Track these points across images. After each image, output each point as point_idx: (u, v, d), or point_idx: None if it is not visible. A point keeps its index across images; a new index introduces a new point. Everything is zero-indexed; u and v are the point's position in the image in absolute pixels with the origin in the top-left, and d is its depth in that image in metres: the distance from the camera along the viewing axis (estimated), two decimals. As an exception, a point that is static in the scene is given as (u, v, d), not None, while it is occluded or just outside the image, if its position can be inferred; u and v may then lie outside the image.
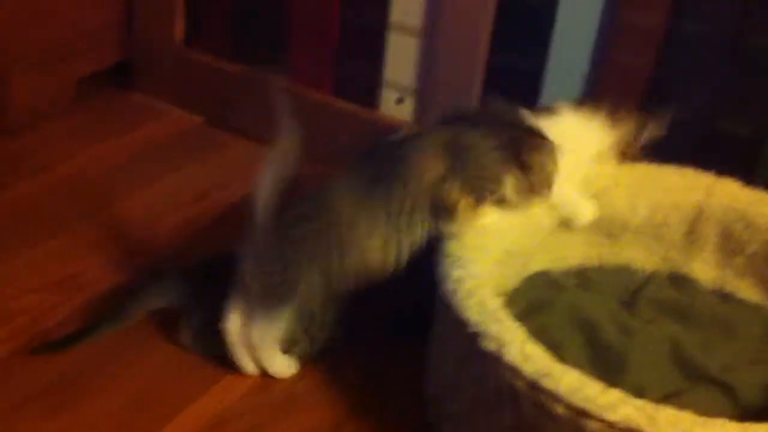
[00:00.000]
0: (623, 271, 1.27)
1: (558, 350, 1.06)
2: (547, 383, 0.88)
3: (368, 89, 1.55)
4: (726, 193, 1.23)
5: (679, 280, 1.26)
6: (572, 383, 0.88)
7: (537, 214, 1.17)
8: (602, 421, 0.85)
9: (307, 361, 1.17)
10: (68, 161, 1.57)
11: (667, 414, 0.85)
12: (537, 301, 1.19)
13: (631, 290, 1.24)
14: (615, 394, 0.87)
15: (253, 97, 1.61)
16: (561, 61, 1.38)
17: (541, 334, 1.11)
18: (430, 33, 1.45)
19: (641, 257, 1.27)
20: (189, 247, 1.39)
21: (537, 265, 1.25)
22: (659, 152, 1.24)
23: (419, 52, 1.48)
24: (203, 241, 1.41)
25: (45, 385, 1.12)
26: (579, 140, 1.17)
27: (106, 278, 1.31)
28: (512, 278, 1.21)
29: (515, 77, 1.41)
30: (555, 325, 1.14)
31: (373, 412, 1.13)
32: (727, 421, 0.86)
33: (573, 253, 1.27)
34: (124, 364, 1.17)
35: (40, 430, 1.07)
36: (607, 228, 1.25)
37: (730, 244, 1.23)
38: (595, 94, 1.37)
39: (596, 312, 1.16)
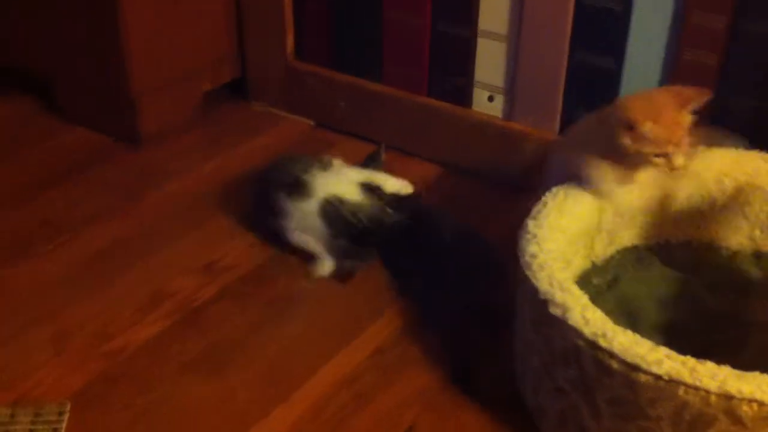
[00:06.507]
0: (708, 249, 1.37)
1: (635, 318, 1.18)
2: (604, 342, 1.01)
3: (461, 90, 1.68)
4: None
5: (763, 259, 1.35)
6: (624, 343, 1.00)
7: (627, 198, 1.29)
8: (650, 374, 0.98)
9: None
10: (197, 168, 1.74)
11: (707, 368, 0.97)
12: (623, 273, 1.33)
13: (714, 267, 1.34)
14: (661, 351, 0.99)
15: (354, 101, 1.78)
16: (637, 59, 1.49)
17: (621, 303, 1.24)
18: (515, 38, 1.58)
19: (727, 236, 1.37)
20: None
21: (626, 240, 1.36)
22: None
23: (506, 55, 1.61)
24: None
25: (198, 355, 1.30)
26: None
27: (244, 261, 1.49)
28: (600, 251, 1.34)
29: (594, 76, 1.53)
30: (635, 296, 1.27)
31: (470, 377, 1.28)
32: (761, 374, 0.96)
33: (660, 231, 1.38)
34: (264, 335, 1.35)
35: (194, 394, 1.24)
36: (696, 206, 1.35)
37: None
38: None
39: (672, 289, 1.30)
